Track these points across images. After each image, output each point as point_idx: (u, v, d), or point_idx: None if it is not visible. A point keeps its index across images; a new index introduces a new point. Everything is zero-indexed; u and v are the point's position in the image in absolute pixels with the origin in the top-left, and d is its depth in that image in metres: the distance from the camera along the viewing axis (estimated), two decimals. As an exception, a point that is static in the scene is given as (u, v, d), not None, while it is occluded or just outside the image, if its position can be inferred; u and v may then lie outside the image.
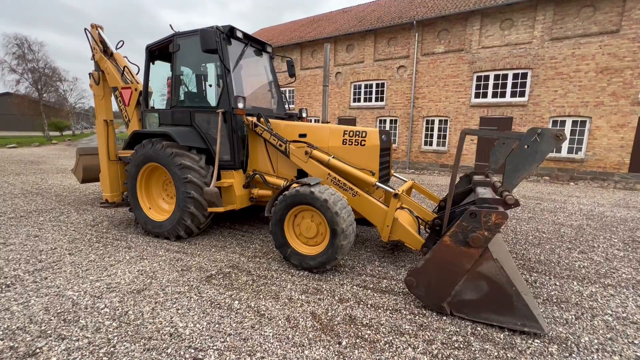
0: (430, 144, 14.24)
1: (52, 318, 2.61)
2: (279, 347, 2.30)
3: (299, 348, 2.29)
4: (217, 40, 3.88)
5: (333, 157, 3.90)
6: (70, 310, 2.73)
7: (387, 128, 15.24)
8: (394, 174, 4.74)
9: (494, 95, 12.49)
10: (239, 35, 4.46)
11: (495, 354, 2.25)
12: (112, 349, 2.27)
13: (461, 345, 2.33)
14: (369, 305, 2.86)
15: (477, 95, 12.85)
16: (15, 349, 2.25)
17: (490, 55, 12.26)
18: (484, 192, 3.23)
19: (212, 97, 4.86)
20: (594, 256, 4.09)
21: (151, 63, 5.05)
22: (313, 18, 20.98)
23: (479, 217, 2.46)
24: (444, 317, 2.68)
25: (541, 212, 6.39)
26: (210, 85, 4.71)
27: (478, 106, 12.73)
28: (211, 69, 4.95)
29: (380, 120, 15.38)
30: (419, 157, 14.48)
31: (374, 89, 15.34)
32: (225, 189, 4.33)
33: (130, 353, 2.23)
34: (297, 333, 2.46)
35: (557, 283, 3.33)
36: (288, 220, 3.55)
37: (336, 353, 2.25)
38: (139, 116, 5.12)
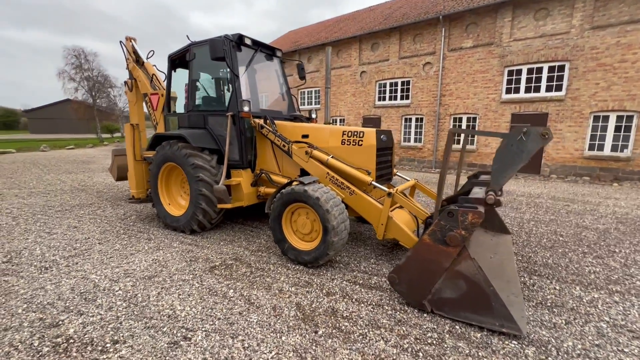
0: (458, 142, 13.72)
1: (76, 297, 3.03)
2: (259, 332, 2.50)
3: (278, 334, 2.48)
4: (225, 49, 4.17)
5: (332, 157, 4.04)
6: (91, 291, 3.14)
7: (413, 127, 14.95)
8: (397, 173, 4.75)
9: (527, 90, 11.78)
10: (248, 42, 4.73)
11: (467, 352, 2.27)
12: (118, 325, 2.61)
13: (434, 342, 2.38)
14: (353, 300, 2.97)
15: (508, 91, 12.19)
16: (43, 320, 2.66)
17: (522, 48, 11.57)
18: (478, 192, 3.20)
19: (223, 101, 5.19)
20: (611, 262, 3.83)
21: (173, 70, 5.51)
22: (339, 18, 21.05)
23: (456, 216, 2.48)
24: (425, 315, 2.72)
25: (566, 215, 6.01)
26: (222, 90, 5.04)
27: (509, 102, 12.08)
28: (222, 75, 5.28)
29: (406, 119, 15.12)
30: (446, 156, 14.02)
31: (399, 87, 15.10)
32: (234, 187, 4.64)
33: (132, 329, 2.55)
34: (279, 321, 2.65)
35: (558, 287, 3.20)
36: (286, 217, 3.75)
37: (311, 341, 2.40)
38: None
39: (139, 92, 6.56)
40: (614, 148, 10.47)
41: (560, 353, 2.26)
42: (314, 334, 2.48)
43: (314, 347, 2.32)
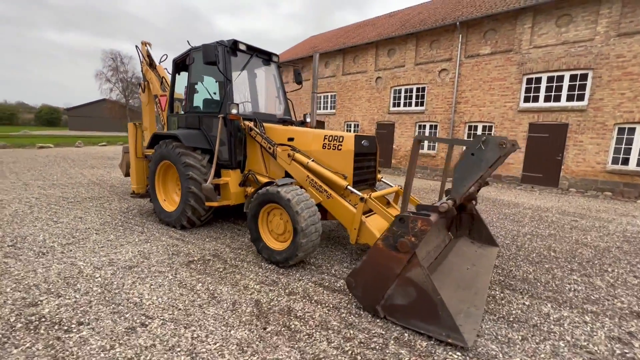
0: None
1: (60, 280, 3.28)
2: (212, 324, 2.61)
3: (228, 328, 2.58)
4: (216, 54, 4.37)
5: (312, 160, 4.11)
6: (75, 276, 3.39)
7: (427, 134, 14.69)
8: (382, 179, 4.74)
9: (547, 99, 11.29)
10: (243, 47, 4.92)
11: (406, 359, 2.26)
12: (88, 308, 2.81)
13: (377, 347, 2.38)
14: (312, 301, 3.02)
15: (526, 100, 11.74)
16: (24, 299, 2.91)
17: (543, 55, 11.13)
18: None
19: (216, 104, 5.40)
20: (597, 281, 3.63)
21: (177, 74, 5.81)
22: (359, 23, 21.13)
23: (407, 222, 2.49)
24: (377, 320, 2.72)
25: (569, 230, 5.72)
26: (215, 93, 5.26)
27: (527, 111, 11.62)
28: (217, 79, 5.49)
29: (420, 126, 14.89)
30: (460, 164, 13.66)
31: (414, 94, 14.93)
32: (222, 186, 4.82)
33: (99, 313, 2.74)
34: (233, 315, 2.75)
35: (527, 303, 3.08)
36: (262, 217, 3.86)
37: (257, 336, 2.48)
38: None
39: (151, 93, 6.95)
40: (640, 162, 9.80)
41: (503, 368, 2.20)
42: (262, 330, 2.56)
43: (257, 342, 2.40)
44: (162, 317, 2.69)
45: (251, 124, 4.72)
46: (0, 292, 3.03)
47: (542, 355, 2.34)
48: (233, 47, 4.84)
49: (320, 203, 3.93)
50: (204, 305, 2.89)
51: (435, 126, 14.35)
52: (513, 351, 2.37)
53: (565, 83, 10.86)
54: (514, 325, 2.71)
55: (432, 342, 2.45)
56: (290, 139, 4.48)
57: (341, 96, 17.98)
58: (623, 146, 10.03)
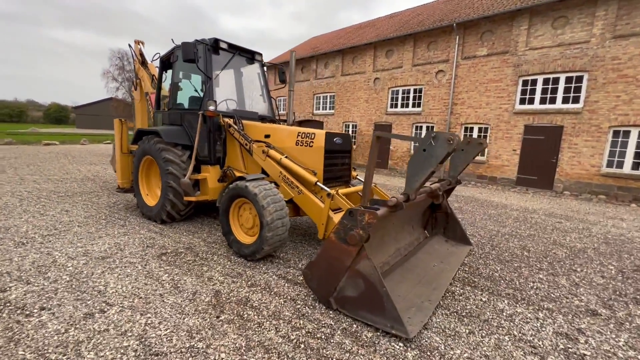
0: (482, 154, 13.29)
1: (32, 269, 3.39)
2: (168, 312, 2.69)
3: (182, 315, 2.65)
4: (195, 52, 4.46)
5: (285, 157, 4.18)
6: (48, 265, 3.49)
7: (423, 135, 14.66)
8: (357, 177, 4.80)
9: (542, 101, 11.22)
10: (224, 46, 5.02)
11: (349, 348, 2.32)
12: (53, 295, 2.91)
13: (322, 337, 2.44)
14: (272, 293, 3.09)
15: (522, 102, 11.68)
16: (-6, 285, 3.03)
17: (539, 57, 11.07)
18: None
19: (197, 101, 5.50)
20: (562, 280, 3.64)
21: (164, 71, 5.93)
22: (360, 25, 21.19)
23: (355, 215, 2.54)
24: (330, 312, 2.78)
25: (550, 231, 5.71)
26: (195, 90, 5.36)
27: (523, 113, 11.56)
28: (199, 77, 5.58)
29: (416, 127, 14.89)
30: (455, 166, 13.62)
31: (411, 95, 14.93)
32: (202, 182, 4.91)
33: (63, 299, 2.83)
34: (191, 304, 2.82)
35: (485, 299, 3.11)
36: (233, 211, 3.94)
37: (209, 324, 2.55)
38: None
39: (143, 91, 7.09)
40: (634, 166, 9.69)
41: (442, 359, 2.24)
42: (215, 318, 2.63)
43: (207, 330, 2.47)
44: (121, 305, 2.78)
45: (230, 121, 4.80)
46: (-27, 278, 3.15)
47: (485, 348, 2.37)
48: (214, 45, 4.93)
49: (292, 199, 4.00)
50: (165, 295, 2.97)
51: (432, 127, 14.33)
52: (456, 344, 2.41)
53: (561, 85, 10.80)
54: (465, 319, 2.74)
55: (378, 333, 2.50)
56: (267, 136, 4.56)
57: (340, 97, 18.04)
58: (618, 149, 9.93)
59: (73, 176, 9.26)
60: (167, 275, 3.37)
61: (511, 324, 2.71)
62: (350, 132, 17.77)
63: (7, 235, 4.33)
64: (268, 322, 2.60)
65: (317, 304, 2.89)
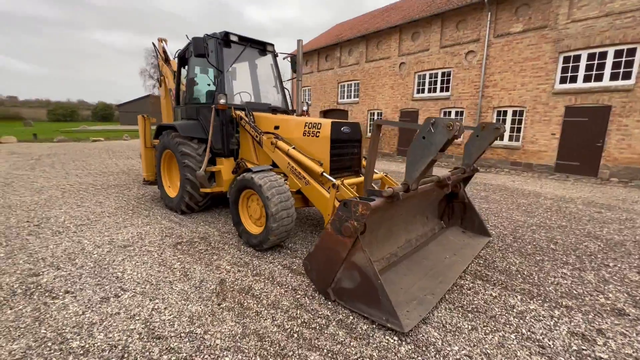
0: (501, 138, 12.48)
1: (63, 255, 3.73)
2: (174, 298, 2.84)
3: (187, 302, 2.79)
4: (205, 46, 4.54)
5: (293, 148, 4.18)
6: (77, 252, 3.82)
7: (452, 120, 13.95)
8: (369, 166, 4.67)
9: (587, 79, 10.17)
10: (234, 39, 5.06)
11: (342, 340, 2.31)
12: (77, 279, 3.18)
13: (317, 327, 2.45)
14: (275, 282, 3.14)
15: (563, 80, 10.67)
16: (30, 270, 3.36)
17: (583, 30, 10.00)
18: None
19: (211, 94, 5.61)
20: (589, 276, 3.33)
21: (182, 67, 6.12)
22: (385, 7, 20.37)
23: (350, 207, 2.48)
24: (328, 303, 2.77)
25: (586, 222, 5.23)
26: (209, 85, 5.47)
27: (564, 93, 10.57)
28: (212, 70, 5.67)
29: (445, 112, 14.18)
30: (487, 153, 12.85)
31: (438, 79, 14.21)
32: (217, 174, 5.06)
33: (85, 284, 3.09)
34: (196, 291, 2.95)
35: (495, 294, 2.94)
36: (242, 202, 4.03)
37: (210, 311, 2.66)
38: None
39: (167, 87, 7.39)
40: (698, 148, 8.54)
41: (437, 356, 2.16)
42: (217, 305, 2.73)
43: (207, 316, 2.58)
44: (134, 290, 2.98)
45: (242, 114, 4.87)
46: (14, 263, 3.52)
47: (487, 346, 2.25)
48: (225, 38, 4.99)
49: (299, 189, 4.01)
50: (174, 282, 3.13)
51: (461, 112, 13.59)
52: (455, 340, 2.31)
53: (609, 60, 9.70)
54: (469, 315, 2.61)
55: (373, 326, 2.46)
56: (276, 127, 4.57)
57: (364, 84, 17.62)
58: (677, 130, 8.79)
59: (110, 170, 9.97)
60: (179, 263, 3.54)
61: (521, 321, 2.54)
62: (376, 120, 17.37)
63: (47, 224, 4.78)
64: (266, 311, 2.65)
65: (316, 295, 2.90)
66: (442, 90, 14.18)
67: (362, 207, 2.41)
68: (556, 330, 2.43)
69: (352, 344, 2.26)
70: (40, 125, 53.93)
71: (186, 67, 6.14)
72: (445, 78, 13.96)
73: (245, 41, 5.26)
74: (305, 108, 5.91)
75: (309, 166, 3.94)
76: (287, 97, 6.01)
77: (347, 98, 19.02)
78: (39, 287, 3.03)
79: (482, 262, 3.65)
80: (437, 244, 3.99)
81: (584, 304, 2.78)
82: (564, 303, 2.80)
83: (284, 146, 4.22)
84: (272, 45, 5.67)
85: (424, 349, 2.22)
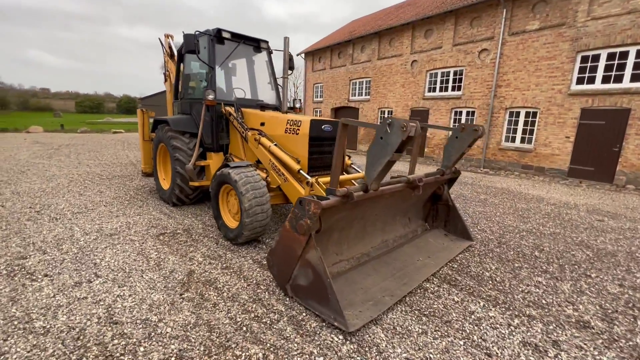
0: (513, 140, 12.07)
1: (52, 240, 3.94)
2: (142, 286, 2.96)
3: (152, 290, 2.89)
4: (195, 43, 4.64)
5: (275, 144, 4.22)
6: (65, 239, 4.02)
7: (463, 121, 13.60)
8: (352, 165, 4.66)
9: (605, 80, 9.65)
10: (227, 35, 5.13)
11: (287, 335, 2.34)
12: (59, 264, 3.36)
13: (267, 322, 2.49)
14: (241, 276, 3.20)
15: (579, 81, 10.17)
16: (19, 253, 3.58)
17: (603, 28, 9.48)
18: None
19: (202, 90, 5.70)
20: (565, 286, 3.20)
21: (181, 62, 6.27)
22: (400, 4, 19.99)
23: (304, 205, 2.50)
24: (287, 299, 2.81)
25: (582, 230, 5.00)
26: (201, 81, 5.57)
27: (580, 94, 10.08)
28: (205, 67, 5.75)
29: (456, 112, 13.84)
30: (497, 155, 12.47)
31: (450, 77, 13.85)
32: (206, 168, 5.18)
33: (64, 268, 3.26)
34: (164, 281, 3.06)
35: (458, 299, 2.88)
36: (222, 196, 4.11)
37: (170, 301, 2.75)
38: None
39: (171, 82, 7.59)
40: None
41: (378, 357, 2.15)
42: (178, 295, 2.83)
43: (166, 305, 2.67)
44: (107, 277, 3.12)
45: (231, 110, 4.95)
46: (7, 246, 3.75)
47: (431, 351, 2.23)
48: (218, 35, 5.07)
49: (279, 187, 4.06)
50: (146, 271, 3.26)
51: (473, 112, 13.21)
52: (401, 342, 2.30)
53: (630, 60, 9.16)
54: (424, 318, 2.58)
55: (323, 324, 2.48)
56: (262, 124, 4.62)
57: (376, 82, 17.41)
58: (702, 136, 8.23)
59: (120, 161, 10.36)
60: (156, 253, 3.67)
61: (475, 328, 2.48)
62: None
63: (47, 211, 5.04)
64: (223, 303, 2.72)
65: (277, 290, 2.94)
66: (453, 89, 13.83)
67: (314, 205, 2.43)
68: (509, 339, 2.36)
69: (296, 339, 2.29)
70: (69, 116, 56.53)
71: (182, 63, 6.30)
72: (457, 77, 13.60)
73: (238, 38, 5.33)
74: (298, 105, 5.94)
75: (287, 163, 3.98)
76: (281, 94, 6.04)
77: (359, 95, 18.88)
78: (22, 270, 3.22)
79: (456, 266, 3.58)
80: (414, 245, 3.95)
81: (548, 315, 2.68)
82: (527, 312, 2.71)
83: (266, 143, 4.27)
84: (267, 42, 5.72)
85: (366, 349, 2.22)
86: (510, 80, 11.78)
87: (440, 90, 14.38)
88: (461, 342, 2.31)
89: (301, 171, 3.83)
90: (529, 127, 11.59)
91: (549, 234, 4.75)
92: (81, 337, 2.27)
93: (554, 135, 10.82)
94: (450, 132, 3.86)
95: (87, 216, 4.89)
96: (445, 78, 14.10)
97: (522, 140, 11.83)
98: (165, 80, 8.16)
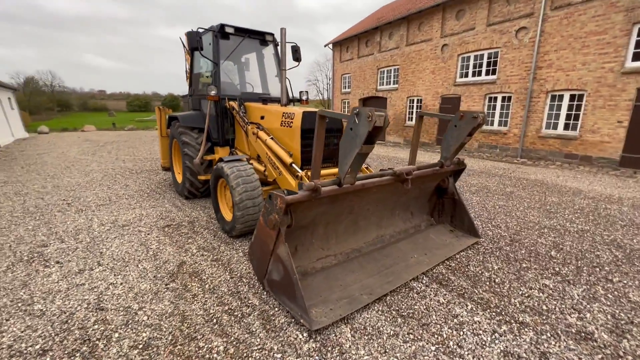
0: (555, 127, 10.94)
1: (72, 230, 4.31)
2: (134, 275, 3.13)
3: (142, 279, 3.05)
4: (198, 40, 4.73)
5: (271, 138, 4.20)
6: (83, 229, 4.38)
7: (498, 107, 12.59)
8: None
9: (669, 54, 8.33)
10: (230, 30, 5.17)
11: (252, 330, 2.35)
12: (71, 252, 3.67)
13: (237, 315, 2.52)
14: (228, 269, 3.26)
15: (636, 57, 8.89)
16: (42, 241, 3.96)
17: (666, -7, 8.15)
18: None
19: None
20: (576, 291, 2.83)
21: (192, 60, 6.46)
22: (433, -15, 18.80)
23: (273, 199, 2.46)
24: (264, 293, 2.81)
25: (618, 228, 4.40)
26: (208, 77, 5.68)
27: (636, 73, 8.82)
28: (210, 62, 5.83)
29: (490, 98, 12.83)
30: (537, 143, 11.39)
31: (484, 60, 12.83)
32: (214, 162, 5.32)
33: (75, 256, 3.55)
34: (154, 270, 3.21)
35: (445, 301, 2.68)
36: (220, 190, 4.21)
37: (155, 290, 2.88)
38: None
39: (191, 80, 7.88)
40: None
41: (338, 358, 2.08)
42: (164, 285, 2.95)
43: (150, 294, 2.81)
44: (107, 265, 3.34)
45: (235, 104, 5.02)
46: (35, 235, 4.18)
47: (398, 355, 2.10)
48: (221, 31, 5.13)
49: (275, 180, 4.05)
50: (142, 260, 3.44)
51: (509, 98, 12.16)
52: (367, 344, 2.19)
53: (701, 29, 7.80)
54: (399, 320, 2.44)
55: (292, 320, 2.44)
56: (262, 117, 4.63)
57: (404, 69, 16.68)
58: None
59: (152, 156, 11.05)
60: (157, 244, 3.86)
61: (454, 333, 2.29)
62: (415, 108, 16.49)
63: (75, 203, 5.53)
64: (202, 295, 2.79)
65: (258, 285, 2.95)
66: (487, 73, 12.82)
67: (279, 200, 2.37)
68: (489, 347, 2.15)
69: (260, 334, 2.29)
70: (121, 115, 61.43)
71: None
72: (492, 60, 12.57)
73: (242, 32, 5.35)
74: (305, 97, 5.85)
75: (281, 156, 3.95)
76: (288, 86, 5.98)
77: (387, 85, 18.25)
78: (40, 257, 3.57)
79: (454, 264, 3.34)
80: (412, 241, 3.74)
81: (544, 322, 2.40)
82: (520, 319, 2.45)
83: (263, 136, 4.27)
84: (272, 34, 5.68)
85: (329, 348, 2.15)
86: (552, 61, 10.63)
87: (473, 75, 13.41)
88: (433, 348, 2.15)
89: (293, 164, 3.78)
90: (573, 112, 10.42)
91: (574, 232, 4.25)
92: (68, 321, 2.46)
93: (604, 120, 9.62)
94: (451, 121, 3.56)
95: (108, 208, 5.28)
96: (478, 62, 13.11)
97: (566, 127, 10.68)
98: (187, 78, 8.47)
